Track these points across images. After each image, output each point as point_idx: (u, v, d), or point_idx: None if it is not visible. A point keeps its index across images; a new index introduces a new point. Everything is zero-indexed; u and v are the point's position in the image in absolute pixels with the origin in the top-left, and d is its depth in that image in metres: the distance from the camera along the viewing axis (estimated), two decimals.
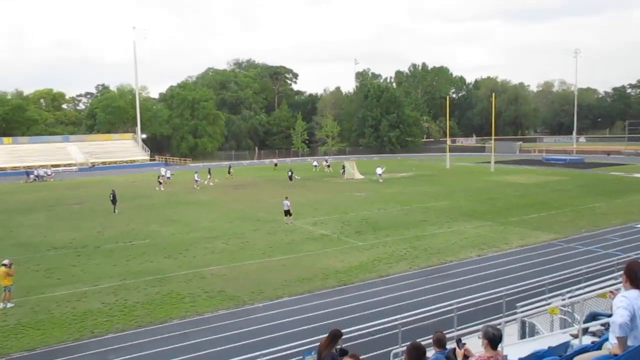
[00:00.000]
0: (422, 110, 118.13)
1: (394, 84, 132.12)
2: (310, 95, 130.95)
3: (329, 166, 67.66)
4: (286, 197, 31.75)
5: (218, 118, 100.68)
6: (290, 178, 52.33)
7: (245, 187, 50.79)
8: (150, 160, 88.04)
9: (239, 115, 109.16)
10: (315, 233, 28.10)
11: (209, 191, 47.69)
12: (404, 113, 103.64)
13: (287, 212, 30.90)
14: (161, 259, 23.26)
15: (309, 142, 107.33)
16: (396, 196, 41.65)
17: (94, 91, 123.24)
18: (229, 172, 60.62)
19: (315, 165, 68.09)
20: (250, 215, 34.04)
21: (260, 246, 25.27)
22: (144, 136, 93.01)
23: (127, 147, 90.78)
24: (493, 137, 68.93)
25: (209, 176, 54.53)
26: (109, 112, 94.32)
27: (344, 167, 57.74)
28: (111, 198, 36.88)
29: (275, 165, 73.77)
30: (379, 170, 55.23)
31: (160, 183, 50.34)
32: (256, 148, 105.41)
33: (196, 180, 51.12)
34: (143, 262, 22.79)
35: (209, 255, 23.77)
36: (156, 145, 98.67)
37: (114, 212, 36.12)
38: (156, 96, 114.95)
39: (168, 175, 55.13)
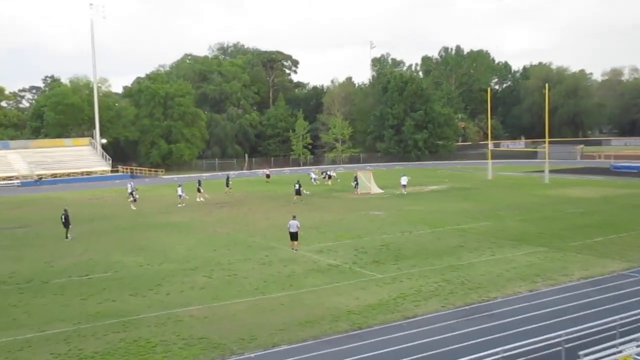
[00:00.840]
0: (456, 106, 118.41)
1: (421, 73, 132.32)
2: (315, 88, 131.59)
3: (329, 178, 67.45)
4: (294, 217, 31.96)
5: (198, 118, 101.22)
6: (298, 192, 52.14)
7: (232, 205, 50.92)
8: (113, 171, 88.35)
9: (224, 114, 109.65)
10: (321, 263, 28.20)
11: (187, 211, 47.76)
12: (433, 110, 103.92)
13: (294, 236, 31.00)
14: (126, 297, 23.32)
15: (312, 147, 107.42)
16: (424, 215, 41.77)
17: (41, 85, 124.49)
18: (227, 185, 60.58)
19: (314, 179, 67.72)
20: (239, 241, 34.09)
21: (251, 280, 25.33)
22: (104, 141, 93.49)
23: (83, 156, 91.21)
24: (547, 140, 68.81)
25: (199, 191, 54.60)
26: (59, 111, 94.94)
27: (356, 179, 57.92)
28: (63, 220, 37.02)
29: (268, 177, 73.95)
30: (403, 181, 55.69)
31: (135, 200, 50.50)
32: (246, 155, 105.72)
33: (180, 196, 51.39)
34: (103, 301, 22.80)
35: (187, 292, 23.81)
36: (120, 153, 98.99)
37: (67, 237, 36.30)
38: (119, 91, 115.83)
39: (130, 189, 55.32)
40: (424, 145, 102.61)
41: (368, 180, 57.82)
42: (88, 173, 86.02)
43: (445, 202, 48.82)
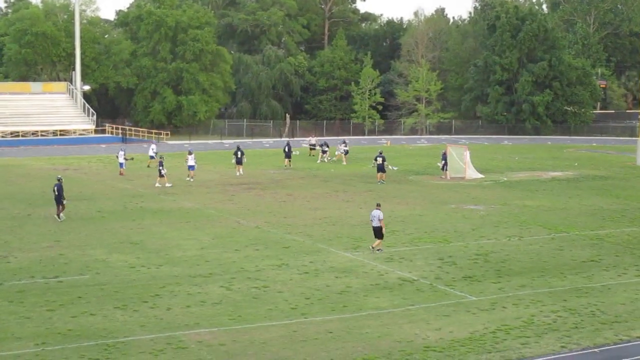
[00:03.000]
0: (594, 57, 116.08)
1: (545, 7, 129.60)
2: (390, 23, 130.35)
3: (312, 148, 70.12)
4: (378, 205, 32.32)
5: (220, 60, 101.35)
6: (381, 168, 52.72)
7: (263, 186, 51.35)
8: (98, 132, 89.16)
9: (257, 56, 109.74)
10: (390, 276, 28.04)
11: (199, 193, 48.07)
12: (561, 61, 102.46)
13: (377, 232, 31.42)
14: (110, 311, 23.40)
15: (383, 108, 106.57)
16: (542, 214, 41.56)
17: (0, 5, 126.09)
18: (287, 156, 61.58)
19: (313, 146, 71.04)
20: (273, 239, 34.23)
21: (288, 296, 25.34)
22: (87, 88, 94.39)
23: (56, 107, 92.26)
24: None
25: (240, 163, 55.97)
26: (26, 43, 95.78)
27: (445, 158, 57.49)
28: (55, 193, 37.88)
29: (312, 147, 73.78)
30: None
31: (162, 175, 49.93)
32: (287, 116, 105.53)
33: (191, 167, 52.55)
34: (78, 315, 22.91)
35: (196, 308, 23.83)
36: (108, 106, 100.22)
37: (58, 217, 37.53)
38: (111, 17, 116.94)
39: (121, 159, 56.17)
40: (546, 112, 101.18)
41: (462, 159, 57.21)
42: (63, 132, 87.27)
43: (572, 195, 48.43)
